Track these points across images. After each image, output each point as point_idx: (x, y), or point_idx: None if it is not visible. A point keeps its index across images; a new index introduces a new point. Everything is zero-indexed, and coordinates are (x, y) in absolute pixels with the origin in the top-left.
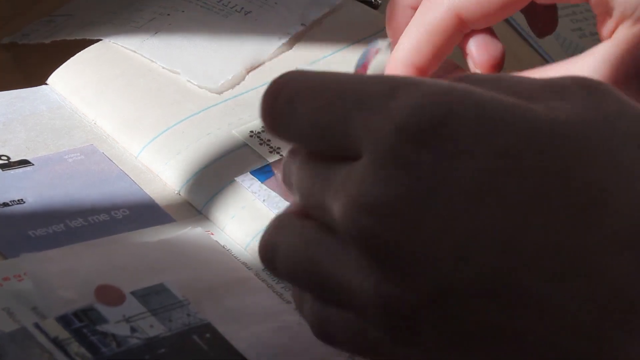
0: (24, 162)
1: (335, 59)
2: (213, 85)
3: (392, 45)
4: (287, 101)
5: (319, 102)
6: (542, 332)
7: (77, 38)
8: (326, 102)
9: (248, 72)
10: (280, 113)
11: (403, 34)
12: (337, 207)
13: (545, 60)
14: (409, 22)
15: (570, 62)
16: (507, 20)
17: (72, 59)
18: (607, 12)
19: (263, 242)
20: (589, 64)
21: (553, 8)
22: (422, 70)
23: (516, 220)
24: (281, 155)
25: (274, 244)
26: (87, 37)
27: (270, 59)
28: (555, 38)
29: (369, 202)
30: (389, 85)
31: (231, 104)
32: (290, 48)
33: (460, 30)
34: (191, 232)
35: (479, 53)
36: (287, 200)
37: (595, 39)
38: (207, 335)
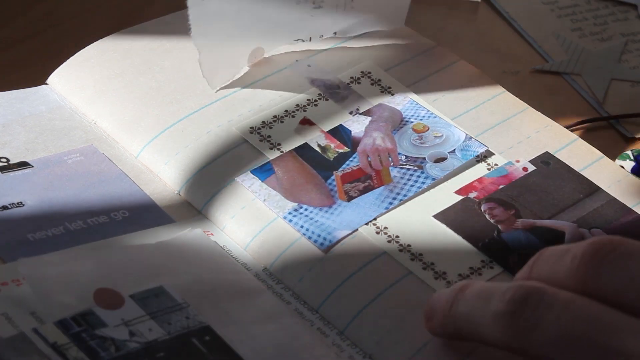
0: (24, 164)
1: (336, 51)
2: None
3: None
4: (628, 252)
5: None
6: None
7: None
8: None
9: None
10: (624, 258)
11: None
12: None
13: (545, 60)
14: None
15: None
16: (507, 20)
17: (71, 58)
18: None
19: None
20: None
21: None
22: None
23: None
24: (281, 151)
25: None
26: None
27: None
28: (555, 38)
29: None
30: None
31: (230, 99)
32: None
33: None
34: (190, 233)
35: None
36: (288, 199)
37: (595, 38)
38: (207, 338)
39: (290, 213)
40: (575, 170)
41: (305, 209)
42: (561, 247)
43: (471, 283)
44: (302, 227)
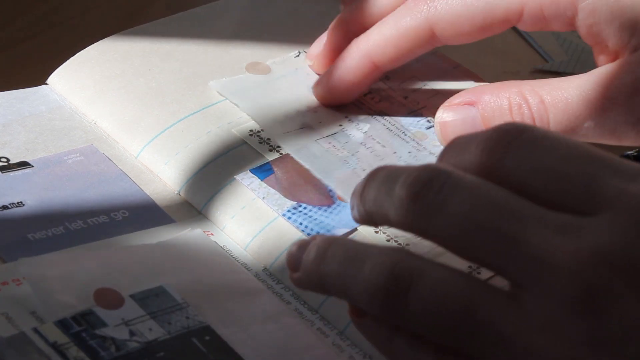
0: (24, 164)
1: None
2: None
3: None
4: (532, 139)
5: (565, 152)
6: None
7: None
8: (575, 155)
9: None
10: (528, 145)
11: (374, 27)
12: (561, 252)
13: (545, 60)
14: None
15: (568, 79)
16: None
17: (72, 59)
18: (601, 44)
19: (391, 269)
20: (588, 79)
21: None
22: (378, 68)
23: None
24: (281, 153)
25: (409, 276)
26: None
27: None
28: (555, 38)
29: (615, 253)
30: None
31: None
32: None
33: (431, 43)
34: (190, 233)
35: None
36: (288, 198)
37: None
38: (207, 337)
39: (289, 211)
40: None
41: (305, 207)
42: (469, 135)
43: (382, 168)
44: (301, 224)
